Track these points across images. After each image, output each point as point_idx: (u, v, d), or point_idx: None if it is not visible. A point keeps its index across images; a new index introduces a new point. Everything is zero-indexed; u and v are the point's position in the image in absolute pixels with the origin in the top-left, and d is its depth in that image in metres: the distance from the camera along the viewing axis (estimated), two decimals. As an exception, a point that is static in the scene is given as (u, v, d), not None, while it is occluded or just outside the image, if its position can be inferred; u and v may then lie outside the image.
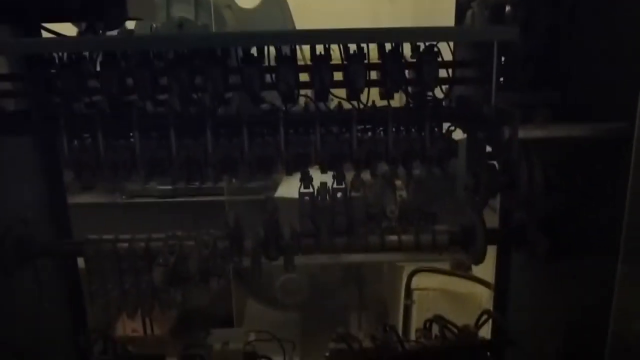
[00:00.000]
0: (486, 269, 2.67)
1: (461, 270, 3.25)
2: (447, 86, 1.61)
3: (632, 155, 1.16)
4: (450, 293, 3.27)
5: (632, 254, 1.21)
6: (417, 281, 3.30)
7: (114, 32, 2.58)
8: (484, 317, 1.89)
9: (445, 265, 3.31)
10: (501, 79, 1.66)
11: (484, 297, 3.15)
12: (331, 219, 1.60)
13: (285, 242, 1.63)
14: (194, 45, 1.43)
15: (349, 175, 1.64)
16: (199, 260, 1.51)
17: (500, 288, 2.04)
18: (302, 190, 1.61)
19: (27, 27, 1.68)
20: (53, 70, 1.52)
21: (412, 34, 1.32)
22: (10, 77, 1.57)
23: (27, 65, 1.58)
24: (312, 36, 1.35)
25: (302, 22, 4.05)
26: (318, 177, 1.62)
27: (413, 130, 1.55)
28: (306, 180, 1.59)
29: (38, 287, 1.76)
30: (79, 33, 1.68)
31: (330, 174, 1.60)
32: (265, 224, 1.64)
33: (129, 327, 4.07)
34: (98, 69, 1.52)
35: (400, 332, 3.28)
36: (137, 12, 1.56)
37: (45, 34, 1.71)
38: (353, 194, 1.61)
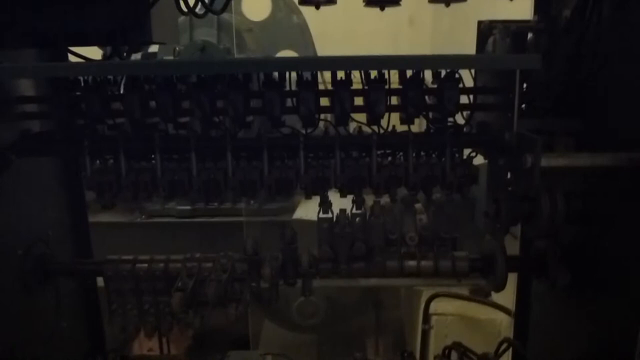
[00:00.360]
0: (506, 295, 2.62)
1: (480, 296, 3.20)
2: (468, 112, 1.60)
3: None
4: (469, 319, 3.21)
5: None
6: (435, 306, 3.25)
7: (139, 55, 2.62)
8: (504, 345, 1.85)
9: (464, 291, 3.26)
10: (523, 106, 1.67)
11: (504, 323, 3.09)
12: (349, 245, 1.58)
13: (303, 268, 1.62)
14: (215, 70, 1.46)
15: (369, 199, 1.64)
16: (217, 285, 1.50)
17: (521, 316, 2.01)
18: (321, 215, 1.60)
19: (53, 50, 1.72)
20: (78, 93, 1.55)
21: (434, 61, 1.32)
22: (36, 99, 1.60)
23: (53, 87, 1.61)
24: (334, 62, 1.36)
25: (323, 45, 4.09)
26: (337, 200, 1.62)
27: (433, 155, 1.55)
28: (325, 205, 1.59)
29: (57, 305, 1.77)
30: (104, 56, 1.71)
31: (349, 197, 1.60)
32: (284, 250, 1.63)
33: (145, 346, 4.07)
34: (122, 91, 1.55)
35: (417, 357, 3.24)
36: (161, 36, 1.59)
37: (71, 57, 1.75)
38: (373, 218, 1.60)
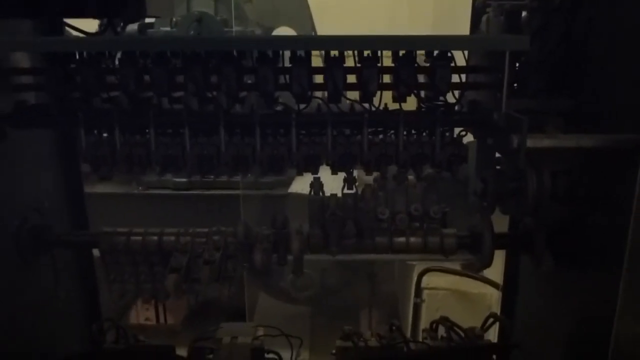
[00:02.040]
0: (497, 270, 2.67)
1: (471, 271, 3.25)
2: (459, 91, 1.61)
3: (640, 166, 1.16)
4: (460, 293, 3.27)
5: (635, 261, 1.22)
6: (427, 280, 3.31)
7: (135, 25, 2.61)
8: (491, 320, 1.90)
9: (456, 265, 3.31)
10: (515, 85, 1.68)
11: (494, 298, 3.15)
12: (340, 227, 1.61)
13: (294, 252, 1.64)
14: (209, 47, 1.46)
15: (365, 178, 1.66)
16: (210, 268, 1.53)
17: (508, 291, 2.05)
18: (312, 196, 1.62)
19: (48, 22, 1.72)
20: (73, 66, 1.56)
21: (424, 41, 1.33)
22: (31, 71, 1.61)
23: (48, 60, 1.61)
24: (327, 42, 1.37)
25: (321, 22, 4.06)
26: (329, 178, 1.64)
27: (424, 134, 1.57)
28: (316, 187, 1.61)
29: (54, 275, 1.81)
30: (100, 26, 1.72)
31: (341, 175, 1.62)
32: (275, 235, 1.66)
33: (142, 315, 4.14)
34: (117, 64, 1.56)
35: (409, 330, 3.31)
36: (155, 9, 1.59)
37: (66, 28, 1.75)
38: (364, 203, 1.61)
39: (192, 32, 3.06)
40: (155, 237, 1.68)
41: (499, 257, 2.11)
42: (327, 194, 1.67)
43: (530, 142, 1.26)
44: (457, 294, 3.29)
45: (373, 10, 4.23)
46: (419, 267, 3.39)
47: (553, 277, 1.69)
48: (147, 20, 3.04)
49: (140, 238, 1.68)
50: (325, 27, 4.11)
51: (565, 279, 1.62)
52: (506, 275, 2.06)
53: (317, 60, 1.57)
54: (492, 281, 3.10)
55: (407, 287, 3.58)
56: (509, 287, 2.05)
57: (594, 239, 1.44)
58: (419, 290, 3.32)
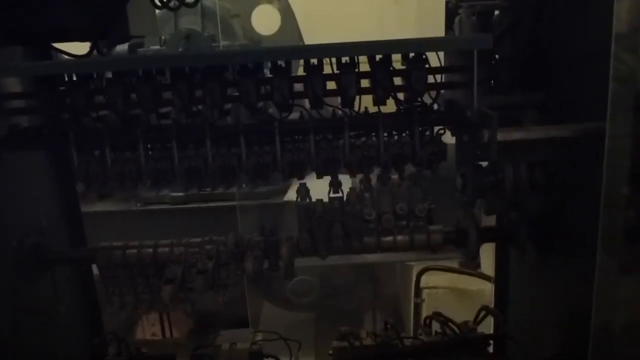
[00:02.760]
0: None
1: (470, 268, 3.30)
2: (436, 91, 1.67)
3: (605, 153, 1.21)
4: (459, 290, 3.31)
5: (608, 245, 1.26)
6: (426, 279, 3.35)
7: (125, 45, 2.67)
8: (483, 313, 1.94)
9: (454, 263, 3.35)
10: (492, 82, 1.74)
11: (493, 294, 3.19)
12: (327, 230, 1.66)
13: (284, 258, 1.69)
14: (195, 63, 1.52)
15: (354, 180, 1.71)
16: (204, 277, 1.58)
17: (500, 283, 2.09)
18: (299, 202, 1.67)
19: (37, 47, 1.78)
20: (62, 88, 1.62)
21: (393, 45, 1.39)
22: (23, 95, 1.67)
23: (38, 83, 1.68)
24: (304, 51, 1.43)
25: (310, 26, 4.13)
26: (315, 182, 1.69)
27: (404, 134, 1.62)
28: (302, 193, 1.66)
29: (54, 292, 1.86)
30: (91, 49, 1.78)
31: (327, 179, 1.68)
32: (265, 242, 1.71)
33: (148, 331, 4.19)
34: (104, 83, 1.62)
35: (411, 330, 3.34)
36: (140, 30, 1.65)
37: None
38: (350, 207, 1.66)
39: (180, 49, 3.14)
40: (150, 250, 1.73)
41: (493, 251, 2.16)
42: (320, 196, 1.72)
43: (500, 136, 1.31)
44: (456, 292, 3.33)
45: (360, 15, 4.28)
46: (417, 267, 3.43)
47: (540, 266, 1.73)
48: (137, 40, 3.11)
49: (135, 251, 1.73)
50: (312, 34, 4.18)
51: (551, 268, 1.67)
52: (497, 267, 2.11)
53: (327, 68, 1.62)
54: (490, 277, 3.14)
55: (407, 287, 3.62)
56: (501, 280, 2.09)
57: (572, 227, 1.49)
58: (418, 290, 3.37)
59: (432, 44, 1.41)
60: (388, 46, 1.39)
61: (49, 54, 1.86)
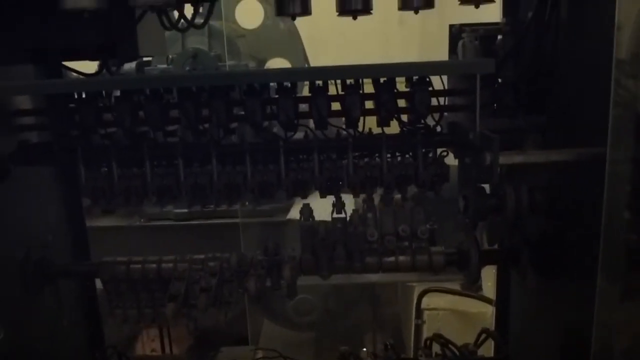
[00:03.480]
0: (496, 288, 2.71)
1: (471, 290, 3.29)
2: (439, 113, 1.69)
3: (605, 177, 1.23)
4: (460, 313, 3.30)
5: (608, 270, 1.27)
6: (427, 301, 3.34)
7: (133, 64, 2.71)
8: (483, 335, 1.94)
9: (456, 285, 3.35)
10: (495, 105, 1.76)
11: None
12: (331, 251, 1.67)
13: (285, 279, 1.70)
14: (203, 83, 1.55)
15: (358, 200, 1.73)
16: (207, 295, 1.59)
17: (501, 306, 2.10)
18: (303, 222, 1.69)
19: (48, 65, 1.82)
20: (72, 105, 1.66)
21: (396, 69, 1.42)
22: (33, 112, 1.70)
23: (48, 100, 1.71)
24: (307, 74, 1.46)
25: (315, 47, 4.18)
26: (318, 201, 1.71)
27: (407, 155, 1.64)
28: (306, 213, 1.67)
29: (58, 306, 1.87)
30: (100, 67, 1.81)
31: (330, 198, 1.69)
32: (268, 262, 1.72)
33: (148, 346, 4.17)
34: (113, 102, 1.66)
35: (411, 351, 3.33)
36: (148, 49, 1.69)
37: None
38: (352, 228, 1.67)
39: (187, 67, 3.18)
40: (154, 265, 1.75)
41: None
42: (323, 217, 1.74)
43: (502, 159, 1.33)
44: (457, 314, 3.31)
45: (365, 36, 4.33)
46: (419, 288, 3.43)
47: (541, 290, 1.74)
48: (145, 58, 3.16)
49: (139, 266, 1.74)
50: (318, 54, 4.24)
51: (552, 292, 1.67)
52: (498, 290, 2.11)
53: (332, 89, 1.65)
54: (491, 300, 3.13)
55: (408, 308, 3.61)
56: (502, 302, 2.10)
57: (573, 251, 1.50)
58: (419, 311, 3.36)
59: (435, 68, 1.43)
60: (392, 69, 1.42)
61: (59, 71, 1.89)
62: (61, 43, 1.58)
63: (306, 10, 1.58)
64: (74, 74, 1.86)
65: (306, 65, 3.83)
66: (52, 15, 1.39)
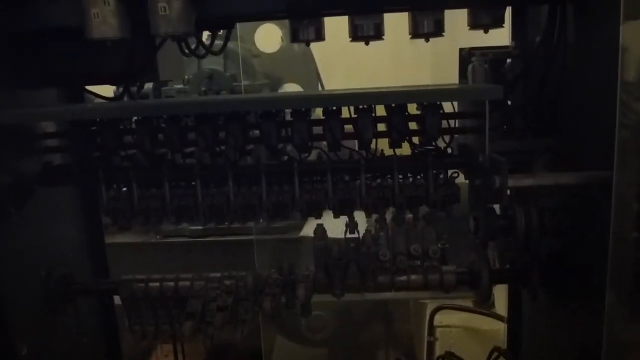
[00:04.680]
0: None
1: (484, 308, 3.30)
2: (450, 136, 1.73)
3: (613, 200, 1.26)
4: (473, 330, 3.30)
5: (617, 290, 1.29)
6: (440, 318, 3.36)
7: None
8: (495, 354, 1.96)
9: (469, 303, 3.35)
10: (505, 127, 1.80)
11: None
12: (344, 271, 1.71)
13: (300, 299, 1.74)
14: (221, 109, 1.61)
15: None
16: (224, 315, 1.63)
17: (513, 325, 2.11)
18: (316, 243, 1.73)
19: (71, 89, 1.89)
20: (94, 128, 1.72)
21: (407, 95, 1.46)
22: (56, 135, 1.77)
23: (72, 123, 1.77)
24: (321, 100, 1.51)
25: (328, 64, 4.25)
26: (332, 221, 1.75)
27: (419, 177, 1.68)
28: (319, 234, 1.71)
29: (78, 323, 1.92)
30: (123, 92, 1.88)
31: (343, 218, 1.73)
32: (283, 282, 1.76)
33: (163, 362, 4.21)
34: (133, 125, 1.72)
35: (424, 369, 3.34)
36: (168, 74, 1.75)
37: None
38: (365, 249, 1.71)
39: (203, 88, 3.26)
40: (172, 283, 1.79)
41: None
42: (336, 234, 1.78)
43: (511, 182, 1.36)
44: (470, 332, 3.32)
45: (377, 54, 4.38)
46: (431, 306, 3.44)
47: (553, 309, 1.76)
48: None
49: (158, 284, 1.79)
50: (331, 72, 4.30)
51: (564, 311, 1.69)
52: (510, 309, 2.13)
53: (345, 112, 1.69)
54: (503, 317, 3.14)
55: (421, 326, 3.62)
56: (513, 321, 2.11)
57: (584, 271, 1.52)
58: (432, 329, 3.37)
59: (445, 94, 1.48)
60: (404, 96, 1.47)
61: (81, 95, 1.96)
62: (86, 69, 1.65)
63: (320, 36, 1.63)
64: (94, 97, 1.93)
65: (319, 86, 3.90)
66: (78, 44, 1.46)
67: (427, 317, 3.40)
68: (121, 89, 1.81)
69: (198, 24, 1.45)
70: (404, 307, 4.35)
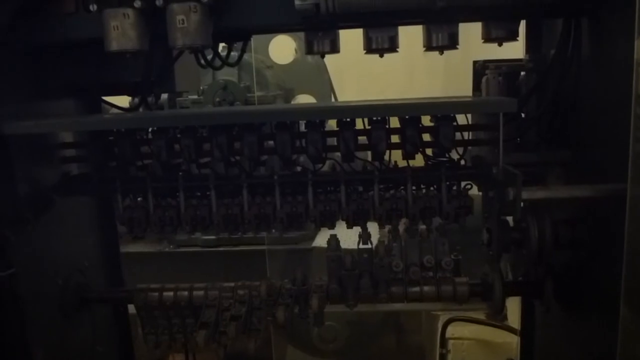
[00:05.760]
0: (521, 319, 2.70)
1: (496, 320, 3.27)
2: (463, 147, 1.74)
3: (627, 212, 1.25)
4: (485, 342, 3.28)
5: (631, 302, 1.28)
6: (452, 330, 3.34)
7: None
8: (508, 366, 1.95)
9: (481, 315, 3.34)
10: (518, 139, 1.80)
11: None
12: (357, 281, 1.71)
13: (313, 308, 1.74)
14: (237, 121, 1.63)
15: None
16: (237, 325, 1.64)
17: (525, 337, 2.10)
18: (329, 253, 1.74)
19: (89, 99, 1.92)
20: (111, 138, 1.75)
21: (421, 107, 1.47)
22: (74, 145, 1.80)
23: (89, 134, 1.80)
24: (336, 112, 1.53)
25: (341, 74, 4.27)
26: (344, 231, 1.75)
27: (432, 188, 1.69)
28: (332, 244, 1.72)
29: (93, 330, 1.94)
30: (132, 101, 1.91)
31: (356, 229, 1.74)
32: (296, 291, 1.77)
33: (174, 371, 4.21)
34: (149, 135, 1.74)
35: (436, 380, 3.32)
36: (184, 85, 1.78)
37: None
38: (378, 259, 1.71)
39: (217, 98, 3.29)
40: (186, 292, 1.81)
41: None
42: (348, 245, 1.79)
43: (525, 194, 1.36)
44: (482, 344, 3.30)
45: (390, 65, 4.40)
46: (443, 317, 3.42)
47: (566, 321, 1.75)
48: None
49: (171, 293, 1.81)
50: (344, 84, 4.32)
51: (577, 323, 1.69)
52: (523, 321, 2.12)
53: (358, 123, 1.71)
54: (516, 330, 3.12)
55: (433, 337, 3.60)
56: (526, 333, 2.10)
57: (597, 283, 1.52)
58: (444, 341, 3.35)
59: (459, 106, 1.48)
60: (418, 108, 1.48)
61: (98, 105, 2.00)
62: (105, 80, 1.68)
63: (335, 49, 1.65)
64: (110, 107, 1.96)
65: (332, 97, 3.92)
66: (97, 55, 1.48)
67: (439, 329, 3.39)
68: (137, 99, 1.83)
69: (214, 36, 1.47)
70: (415, 319, 4.32)
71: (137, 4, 1.38)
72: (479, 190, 1.70)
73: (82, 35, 1.51)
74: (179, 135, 1.71)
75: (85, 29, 1.51)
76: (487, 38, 1.61)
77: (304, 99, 3.91)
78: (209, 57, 1.74)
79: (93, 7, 1.41)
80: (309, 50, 1.67)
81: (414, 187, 1.67)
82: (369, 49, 1.64)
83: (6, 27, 1.42)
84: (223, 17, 1.47)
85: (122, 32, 1.41)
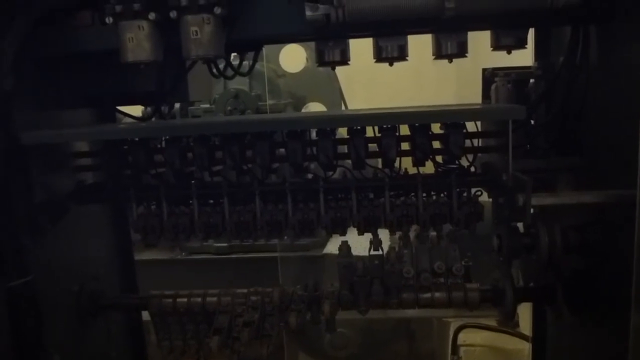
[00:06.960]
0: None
1: (508, 327, 3.26)
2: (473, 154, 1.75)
3: (637, 218, 1.26)
4: (497, 349, 3.27)
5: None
6: (463, 337, 3.33)
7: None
8: (520, 372, 1.95)
9: (492, 321, 3.33)
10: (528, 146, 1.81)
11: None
12: (368, 287, 1.72)
13: (325, 314, 1.75)
14: (249, 129, 1.65)
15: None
16: (249, 330, 1.66)
17: (537, 343, 2.10)
18: (340, 259, 1.75)
19: (103, 109, 1.96)
20: (125, 147, 1.78)
21: (431, 115, 1.49)
22: (89, 154, 1.83)
23: (104, 143, 1.84)
24: (347, 120, 1.55)
25: (350, 81, 4.29)
26: (356, 237, 1.77)
27: (442, 195, 1.70)
28: (344, 250, 1.74)
29: (107, 336, 1.97)
30: (153, 112, 1.94)
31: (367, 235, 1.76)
32: (308, 297, 1.79)
33: (186, 378, 4.22)
34: (162, 144, 1.77)
35: (448, 388, 3.31)
36: (197, 95, 1.81)
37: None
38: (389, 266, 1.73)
39: (229, 107, 3.33)
40: (199, 299, 1.83)
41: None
42: (359, 250, 1.80)
43: (534, 201, 1.38)
44: (494, 351, 3.29)
45: (400, 72, 4.42)
46: (455, 324, 3.42)
47: (577, 327, 1.75)
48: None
49: (185, 300, 1.83)
50: (354, 92, 4.33)
51: (588, 329, 1.69)
52: (534, 327, 2.12)
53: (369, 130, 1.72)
54: (527, 336, 3.10)
55: (444, 344, 3.60)
56: (538, 340, 2.10)
57: (609, 289, 1.52)
58: (455, 347, 3.34)
59: (468, 114, 1.50)
60: (428, 116, 1.49)
61: (112, 114, 2.03)
62: (119, 90, 1.71)
63: (345, 60, 1.67)
64: (124, 116, 1.99)
65: (342, 105, 3.94)
66: (112, 65, 1.52)
67: (451, 336, 3.38)
68: (149, 109, 1.87)
69: (227, 47, 1.50)
70: (427, 326, 4.31)
71: (152, 16, 1.41)
72: (489, 197, 1.71)
73: (98, 47, 1.55)
74: (191, 144, 1.74)
75: (101, 40, 1.54)
76: (496, 46, 1.62)
77: (315, 107, 3.93)
78: (221, 66, 1.78)
79: (109, 20, 1.44)
80: (320, 62, 1.69)
81: (424, 194, 1.69)
82: (379, 58, 1.66)
83: (25, 39, 1.46)
84: (235, 28, 1.50)
85: (137, 43, 1.44)
